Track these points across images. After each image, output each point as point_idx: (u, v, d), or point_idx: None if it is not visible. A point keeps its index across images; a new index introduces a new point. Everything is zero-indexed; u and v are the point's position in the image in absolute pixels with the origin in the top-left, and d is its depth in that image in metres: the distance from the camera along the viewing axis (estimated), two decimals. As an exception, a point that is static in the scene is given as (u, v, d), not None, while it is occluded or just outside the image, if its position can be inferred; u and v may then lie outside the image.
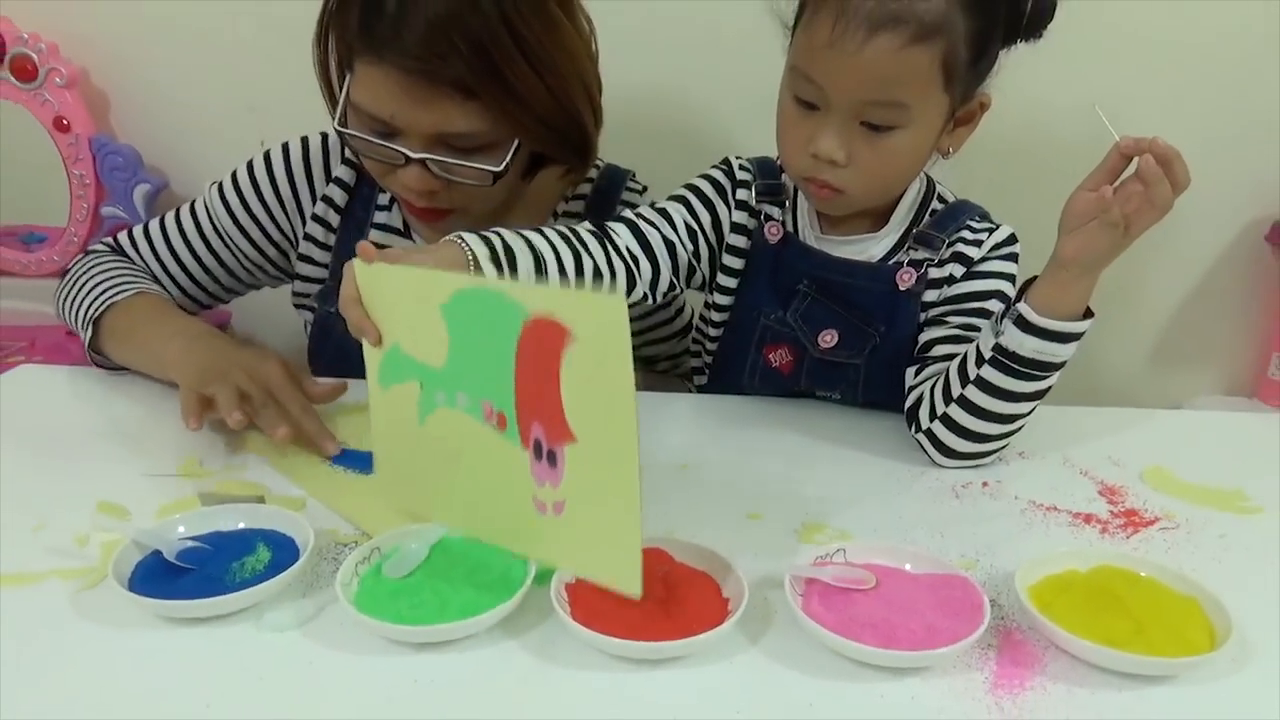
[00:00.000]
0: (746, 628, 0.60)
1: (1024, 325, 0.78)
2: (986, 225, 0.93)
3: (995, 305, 0.88)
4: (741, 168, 0.97)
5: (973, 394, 0.82)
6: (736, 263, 0.96)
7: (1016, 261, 0.92)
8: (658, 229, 0.91)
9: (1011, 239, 0.92)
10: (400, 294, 0.66)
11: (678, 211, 0.93)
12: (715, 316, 0.99)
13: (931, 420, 0.85)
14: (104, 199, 1.44)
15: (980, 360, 0.81)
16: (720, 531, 0.70)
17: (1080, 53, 1.27)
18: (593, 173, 1.05)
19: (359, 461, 0.81)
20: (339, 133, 0.90)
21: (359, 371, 0.99)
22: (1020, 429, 0.84)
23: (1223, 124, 1.34)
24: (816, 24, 0.80)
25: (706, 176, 0.97)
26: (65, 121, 1.39)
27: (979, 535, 0.72)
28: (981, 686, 0.56)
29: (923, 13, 0.77)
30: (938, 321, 0.91)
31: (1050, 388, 0.82)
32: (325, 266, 1.05)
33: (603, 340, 0.55)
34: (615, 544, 0.58)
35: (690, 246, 0.93)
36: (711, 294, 0.98)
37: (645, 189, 1.09)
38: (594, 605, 0.59)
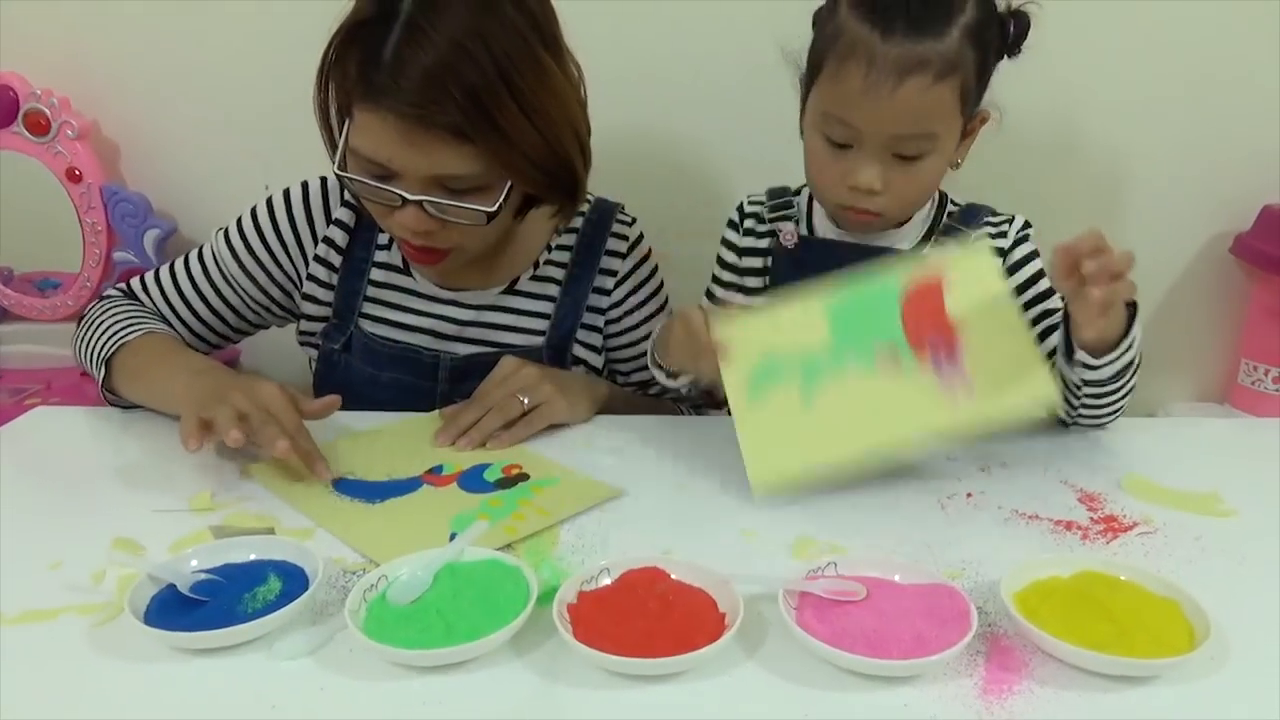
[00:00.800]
0: (743, 641, 0.61)
1: (1090, 367, 0.86)
2: (1003, 216, 1.02)
3: (1043, 283, 0.99)
4: (751, 202, 1.07)
5: (1088, 408, 0.92)
6: (756, 281, 1.06)
7: (1034, 242, 1.02)
8: None
9: (1026, 224, 1.02)
10: (767, 325, 0.87)
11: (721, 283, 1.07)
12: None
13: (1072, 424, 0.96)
14: (116, 244, 1.48)
15: (1075, 391, 0.91)
16: (715, 549, 0.72)
17: (1053, 67, 1.31)
18: (584, 206, 1.08)
19: (363, 491, 0.83)
20: (338, 176, 0.93)
21: (361, 405, 1.02)
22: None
23: (1190, 141, 1.38)
24: (846, 74, 0.87)
25: (721, 241, 1.08)
26: (77, 172, 1.43)
27: (964, 545, 0.74)
28: (971, 692, 0.58)
29: (942, 53, 0.85)
30: None
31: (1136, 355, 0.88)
32: (329, 305, 1.08)
33: (977, 274, 0.84)
34: (1026, 380, 0.79)
35: None
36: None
37: (634, 220, 1.12)
38: (595, 624, 0.61)
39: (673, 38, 1.36)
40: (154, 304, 1.08)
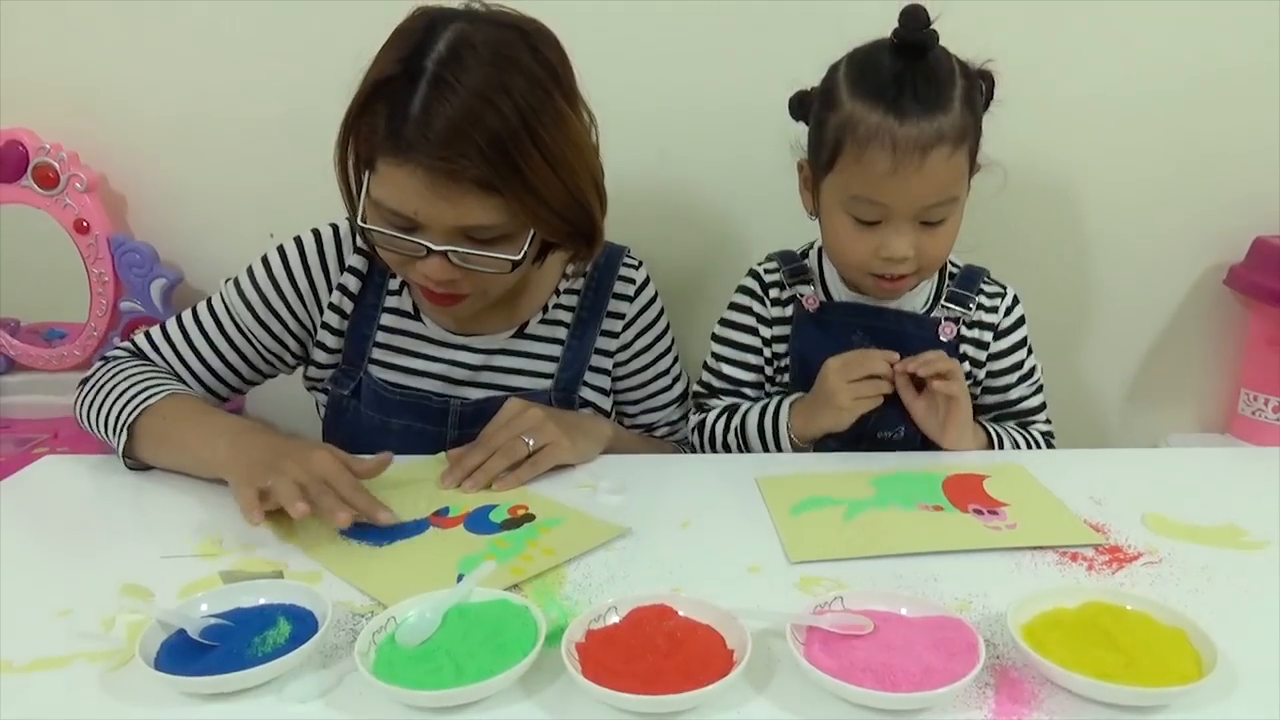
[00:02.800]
0: (752, 677, 0.62)
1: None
2: (996, 289, 1.11)
3: (1022, 351, 1.11)
4: (767, 271, 1.12)
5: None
6: (782, 347, 1.11)
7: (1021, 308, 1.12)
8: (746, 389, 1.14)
9: (1016, 300, 1.11)
10: (813, 481, 0.94)
11: (733, 362, 1.13)
12: (771, 372, 1.13)
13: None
14: (122, 294, 1.49)
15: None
16: (722, 585, 0.72)
17: (1043, 112, 1.34)
18: None
19: (370, 534, 0.83)
20: (361, 229, 0.94)
21: (370, 448, 1.04)
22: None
23: (1182, 175, 1.40)
24: (871, 159, 0.93)
25: (737, 306, 1.13)
26: (85, 223, 1.46)
27: (970, 577, 0.75)
28: (982, 724, 0.58)
29: (953, 123, 0.92)
30: (994, 390, 1.11)
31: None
32: (339, 352, 1.08)
33: (1015, 477, 0.93)
34: (1057, 520, 0.84)
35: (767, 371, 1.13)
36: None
37: (641, 263, 1.14)
38: (604, 662, 0.61)
39: (672, 81, 1.39)
40: (165, 359, 1.06)
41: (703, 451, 1.12)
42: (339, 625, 0.69)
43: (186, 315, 1.08)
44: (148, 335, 1.08)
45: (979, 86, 0.98)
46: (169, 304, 1.49)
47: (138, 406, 0.95)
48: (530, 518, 0.87)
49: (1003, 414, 1.12)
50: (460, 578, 0.74)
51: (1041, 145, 1.38)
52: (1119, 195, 1.42)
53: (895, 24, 0.93)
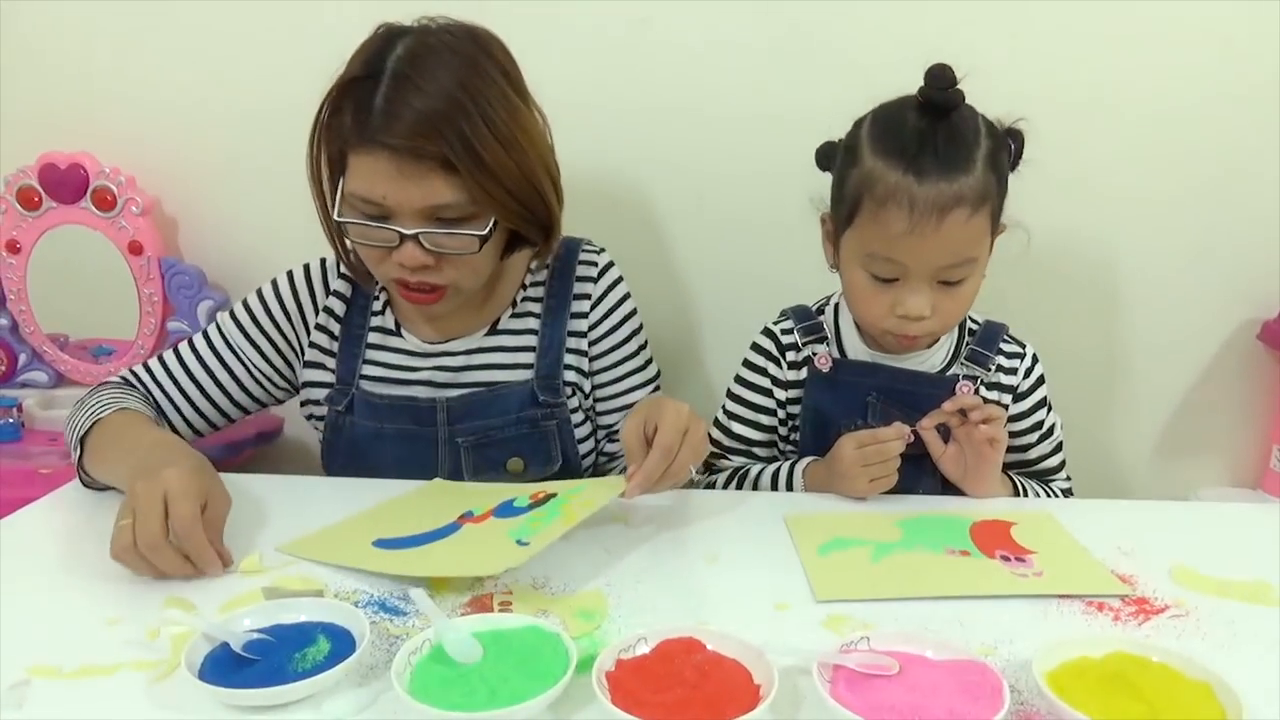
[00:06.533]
0: (777, 713, 0.63)
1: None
2: (1015, 349, 1.09)
3: (1042, 410, 1.11)
4: (784, 331, 1.13)
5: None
6: (796, 408, 1.12)
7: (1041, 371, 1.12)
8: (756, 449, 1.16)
9: (1035, 359, 1.11)
10: (840, 521, 0.96)
11: (746, 422, 1.14)
12: (784, 431, 1.14)
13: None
14: (170, 314, 1.54)
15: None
16: (750, 621, 0.74)
17: (1073, 164, 1.36)
18: None
19: (404, 543, 0.87)
20: (338, 222, 1.00)
21: (368, 458, 1.08)
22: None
23: (1217, 230, 1.41)
24: (888, 218, 0.94)
25: (753, 366, 1.14)
26: (139, 245, 1.51)
27: (996, 623, 0.75)
28: (1005, 770, 0.58)
29: (973, 185, 0.92)
30: (1014, 449, 1.09)
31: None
32: (332, 372, 1.14)
33: (1042, 525, 0.94)
34: (1084, 569, 0.85)
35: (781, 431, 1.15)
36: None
37: (602, 249, 1.19)
38: (633, 692, 0.62)
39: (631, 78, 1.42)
40: (159, 383, 1.12)
41: None
42: (376, 645, 0.71)
43: (181, 345, 1.15)
44: (145, 364, 1.14)
45: (1006, 146, 0.98)
46: (214, 325, 1.53)
47: (92, 421, 1.00)
48: (552, 495, 0.92)
49: (1023, 473, 1.12)
50: (518, 541, 0.80)
51: (1072, 197, 1.39)
52: (1153, 249, 1.42)
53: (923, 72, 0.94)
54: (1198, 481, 1.51)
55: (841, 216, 1.01)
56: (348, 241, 1.04)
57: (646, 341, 1.22)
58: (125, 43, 1.49)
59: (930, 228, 0.92)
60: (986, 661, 0.65)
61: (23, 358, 1.60)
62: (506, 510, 0.91)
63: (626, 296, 1.19)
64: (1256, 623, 0.76)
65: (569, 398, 1.14)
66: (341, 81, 0.97)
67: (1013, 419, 1.08)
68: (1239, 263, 1.42)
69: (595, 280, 1.16)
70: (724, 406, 1.17)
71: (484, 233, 0.98)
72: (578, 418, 1.15)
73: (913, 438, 1.00)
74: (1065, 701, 0.61)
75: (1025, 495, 1.06)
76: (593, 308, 1.16)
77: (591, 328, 1.16)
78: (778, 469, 1.09)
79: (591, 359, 1.17)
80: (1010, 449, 1.07)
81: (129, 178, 1.50)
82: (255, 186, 1.54)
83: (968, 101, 0.95)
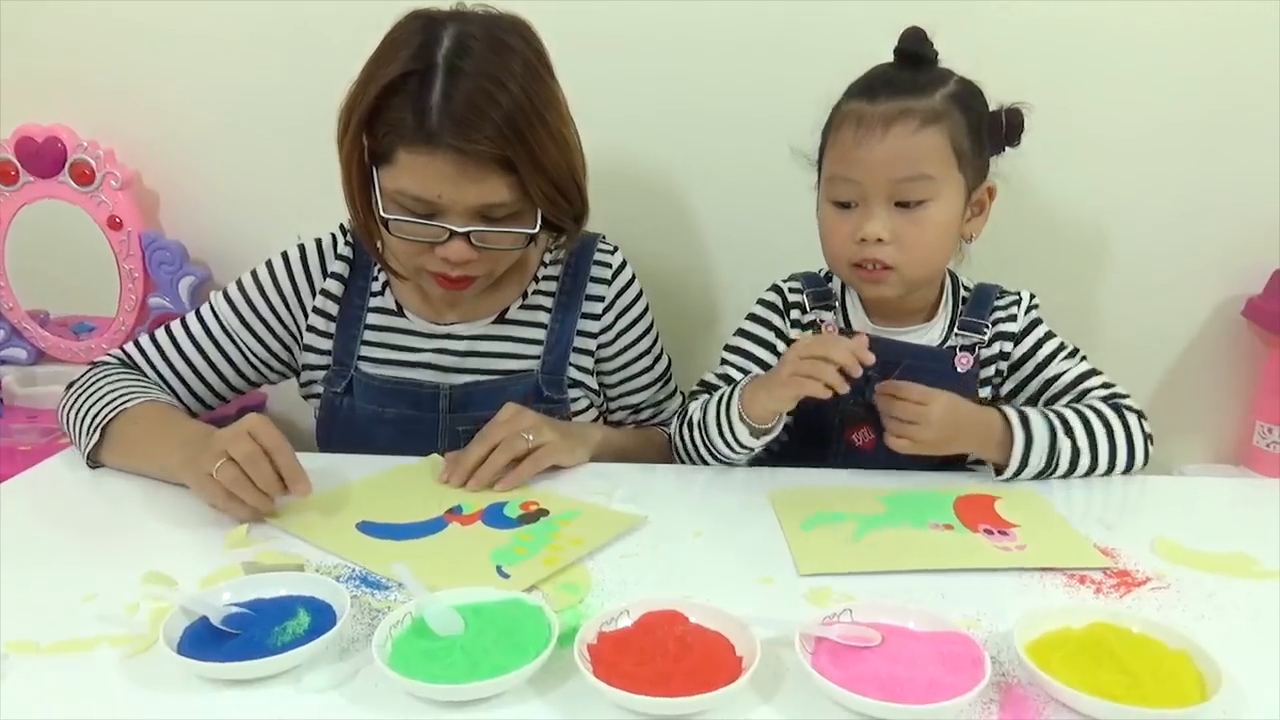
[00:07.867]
0: (759, 684, 0.63)
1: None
2: (1010, 297, 1.08)
3: (1045, 353, 1.08)
4: (791, 289, 1.12)
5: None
6: None
7: (1040, 311, 1.10)
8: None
9: (1033, 298, 1.10)
10: (826, 495, 0.95)
11: (738, 369, 1.09)
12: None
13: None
14: (151, 290, 1.52)
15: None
16: (733, 594, 0.73)
17: (1061, 143, 1.35)
18: None
19: (387, 531, 0.86)
20: (382, 220, 0.97)
21: (366, 442, 1.06)
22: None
23: (1202, 206, 1.41)
24: (840, 138, 0.97)
25: (756, 318, 1.12)
26: (118, 220, 1.49)
27: (979, 596, 0.75)
28: (985, 739, 0.59)
29: (925, 105, 0.94)
30: (1034, 378, 1.09)
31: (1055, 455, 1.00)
32: (329, 353, 1.12)
33: (1025, 498, 0.94)
34: (1067, 543, 0.85)
35: None
36: None
37: (616, 248, 1.17)
38: (615, 664, 0.62)
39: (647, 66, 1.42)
40: (153, 364, 1.11)
41: (680, 441, 1.07)
42: (357, 619, 0.71)
43: (175, 324, 1.13)
44: (136, 343, 1.13)
45: (981, 100, 0.99)
46: (196, 301, 1.51)
47: (115, 410, 0.98)
48: (544, 512, 0.90)
49: (1053, 395, 1.09)
50: (499, 569, 0.77)
51: (1060, 176, 1.39)
52: (1138, 225, 1.43)
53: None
54: (1181, 457, 1.52)
55: (818, 164, 1.03)
56: (382, 231, 1.01)
57: (658, 336, 1.21)
58: (104, 13, 1.46)
59: (875, 138, 0.94)
60: (968, 633, 0.65)
61: (1, 334, 1.58)
62: (495, 517, 0.89)
63: (639, 296, 1.18)
64: (1236, 594, 0.76)
65: (575, 400, 1.13)
66: (387, 80, 0.92)
67: (1022, 360, 1.08)
68: (1223, 239, 1.42)
69: (609, 282, 1.15)
70: (722, 357, 1.13)
71: (534, 230, 0.98)
72: (590, 415, 1.15)
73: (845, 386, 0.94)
74: (1046, 672, 0.61)
75: (1028, 424, 0.98)
76: (605, 310, 1.15)
77: (603, 330, 1.15)
78: (729, 389, 1.03)
79: (599, 360, 1.16)
80: (1031, 378, 1.09)
81: (108, 151, 1.48)
82: (238, 160, 1.52)
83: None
